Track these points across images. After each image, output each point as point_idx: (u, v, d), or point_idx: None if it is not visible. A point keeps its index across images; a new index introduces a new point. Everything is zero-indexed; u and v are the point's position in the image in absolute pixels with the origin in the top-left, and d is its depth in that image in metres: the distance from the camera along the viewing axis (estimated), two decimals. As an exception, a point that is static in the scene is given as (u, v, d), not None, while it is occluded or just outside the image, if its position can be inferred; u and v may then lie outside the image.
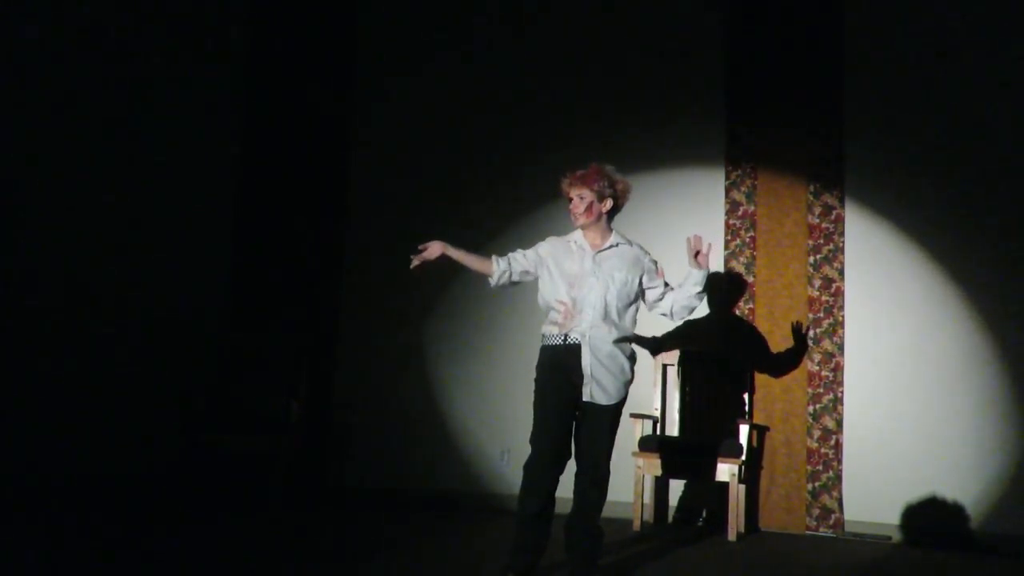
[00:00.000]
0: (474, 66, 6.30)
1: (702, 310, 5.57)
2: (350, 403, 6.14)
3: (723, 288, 5.57)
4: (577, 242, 3.77)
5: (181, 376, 5.72)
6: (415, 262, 3.72)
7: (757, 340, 5.47)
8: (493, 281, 3.78)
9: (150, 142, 5.77)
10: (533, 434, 3.63)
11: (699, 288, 3.81)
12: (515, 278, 3.79)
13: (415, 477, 5.92)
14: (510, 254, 3.80)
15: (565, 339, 3.63)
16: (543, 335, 3.72)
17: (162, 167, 5.84)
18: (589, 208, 3.73)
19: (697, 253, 3.82)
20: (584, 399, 3.60)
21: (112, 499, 5.14)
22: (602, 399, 3.61)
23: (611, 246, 3.77)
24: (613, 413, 3.66)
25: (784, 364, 5.39)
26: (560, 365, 3.63)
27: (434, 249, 3.72)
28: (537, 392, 3.67)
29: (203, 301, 6.09)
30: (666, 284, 3.87)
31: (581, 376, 3.60)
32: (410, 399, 6.07)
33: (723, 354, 5.46)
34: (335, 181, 6.42)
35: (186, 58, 6.03)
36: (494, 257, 3.78)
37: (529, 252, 3.80)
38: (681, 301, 3.83)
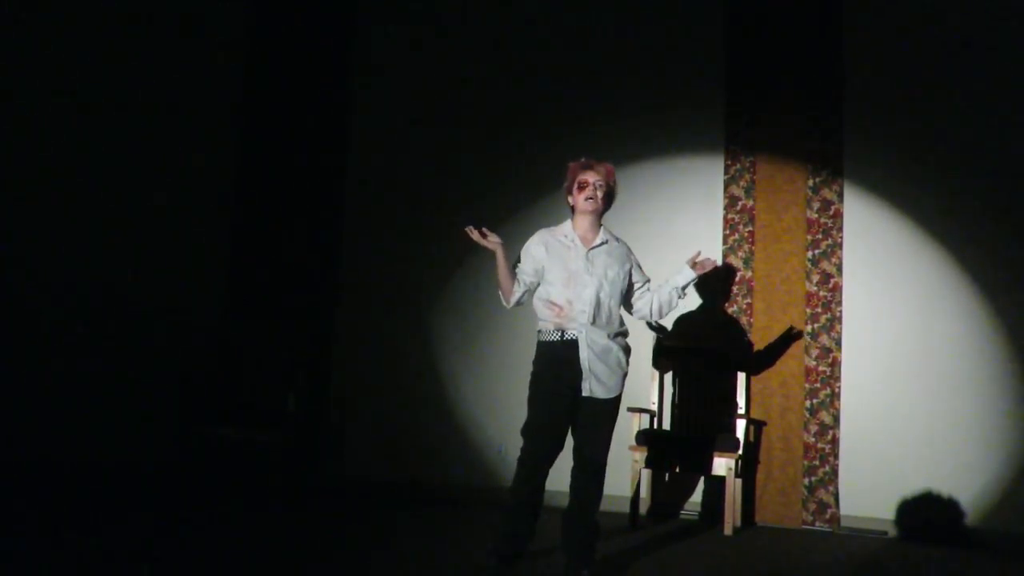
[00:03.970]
0: (471, 62, 6.28)
1: (695, 304, 5.58)
2: (347, 395, 6.15)
3: (721, 283, 5.58)
4: (569, 236, 3.77)
5: (179, 368, 5.72)
6: (473, 232, 3.73)
7: (754, 335, 5.47)
8: (512, 300, 3.82)
9: (149, 136, 5.76)
10: (528, 427, 3.67)
11: (684, 283, 3.83)
12: (527, 296, 3.83)
13: (412, 470, 5.92)
14: (518, 272, 3.80)
15: (562, 335, 3.66)
16: (539, 331, 3.76)
17: (161, 161, 5.83)
18: (602, 198, 3.75)
19: (696, 264, 3.83)
20: (584, 394, 3.64)
21: (110, 490, 5.14)
22: (601, 393, 3.64)
23: (602, 243, 3.78)
24: (612, 407, 3.70)
25: (774, 359, 5.40)
26: (557, 361, 3.66)
27: (491, 242, 3.72)
28: (533, 386, 3.71)
29: (201, 294, 6.09)
30: (647, 280, 3.91)
31: (580, 372, 3.63)
32: (408, 392, 6.07)
33: (721, 349, 5.47)
34: (332, 174, 6.42)
35: (185, 54, 6.02)
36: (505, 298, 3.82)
37: (527, 262, 3.79)
38: (663, 298, 3.84)
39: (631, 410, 5.19)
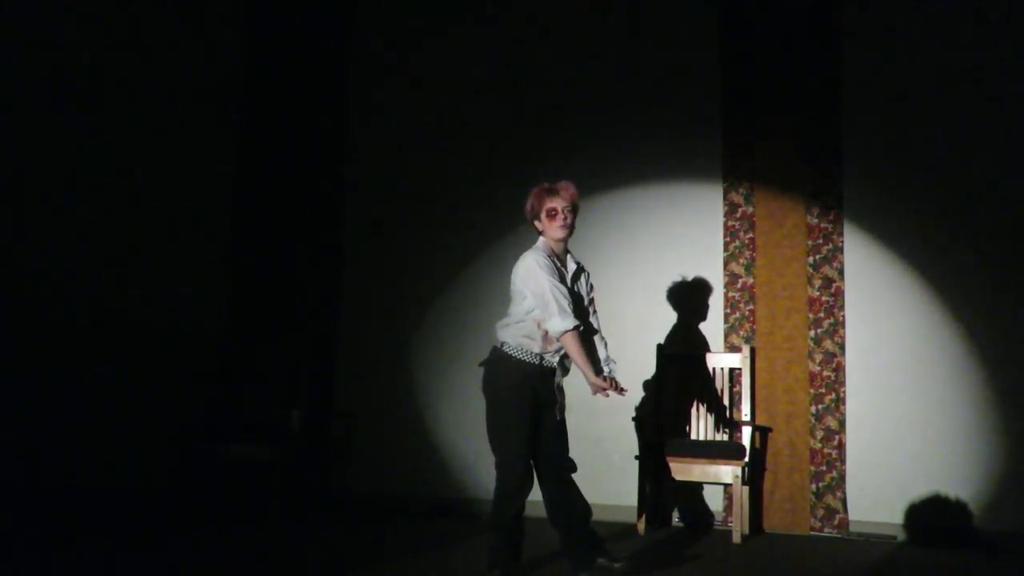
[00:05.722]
0: (469, 77, 6.27)
1: (697, 311, 5.57)
2: (350, 411, 6.12)
3: (724, 290, 5.58)
4: (558, 262, 3.75)
5: (181, 385, 5.71)
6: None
7: (757, 341, 5.46)
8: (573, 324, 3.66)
9: (147, 151, 5.77)
10: (510, 445, 3.67)
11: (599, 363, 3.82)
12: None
13: (415, 484, 5.89)
14: (569, 308, 3.64)
15: (541, 360, 3.66)
16: (511, 344, 3.71)
17: (159, 176, 5.84)
18: (573, 223, 3.76)
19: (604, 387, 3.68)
20: (558, 419, 3.72)
21: (113, 509, 5.12)
22: (562, 412, 3.77)
23: (579, 270, 3.82)
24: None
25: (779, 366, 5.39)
26: (530, 384, 3.68)
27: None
28: (507, 405, 3.68)
29: (202, 310, 6.08)
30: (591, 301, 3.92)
31: (553, 399, 3.69)
32: (409, 407, 6.05)
33: (725, 356, 5.45)
34: (332, 190, 6.42)
35: (183, 65, 6.04)
36: (574, 335, 3.61)
37: (561, 287, 3.67)
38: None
39: (636, 420, 5.18)
